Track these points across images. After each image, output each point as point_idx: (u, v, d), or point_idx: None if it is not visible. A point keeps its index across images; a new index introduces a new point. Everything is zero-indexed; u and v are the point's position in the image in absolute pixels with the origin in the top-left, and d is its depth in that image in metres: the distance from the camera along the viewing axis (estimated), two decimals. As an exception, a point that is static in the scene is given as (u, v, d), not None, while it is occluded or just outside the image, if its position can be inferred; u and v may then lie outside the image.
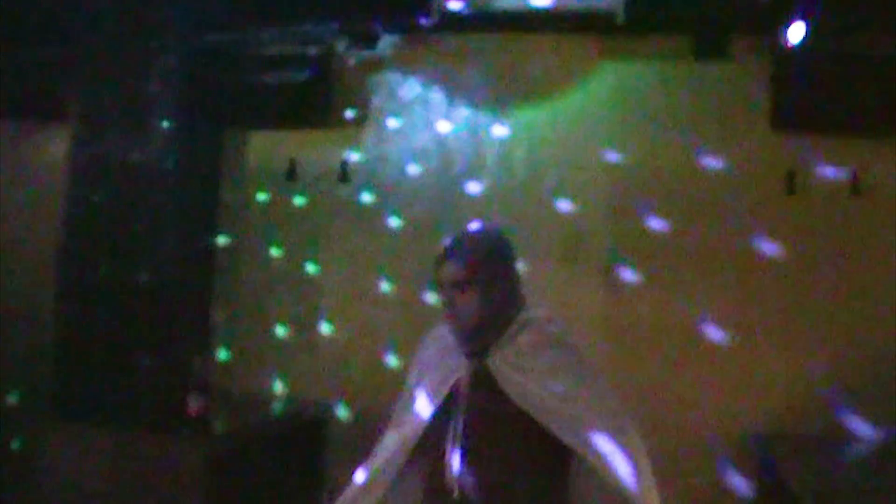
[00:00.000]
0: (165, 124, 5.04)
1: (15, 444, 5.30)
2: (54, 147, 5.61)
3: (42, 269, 5.31)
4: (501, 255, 2.88)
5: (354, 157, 5.44)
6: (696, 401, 4.83)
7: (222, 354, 5.48)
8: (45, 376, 4.95)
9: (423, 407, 2.85)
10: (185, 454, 4.31)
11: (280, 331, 5.45)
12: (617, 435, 2.72)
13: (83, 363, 4.87)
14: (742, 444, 4.74)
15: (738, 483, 4.69)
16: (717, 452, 4.74)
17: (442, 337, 2.94)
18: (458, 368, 2.84)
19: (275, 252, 5.51)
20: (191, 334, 5.16)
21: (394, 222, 5.30)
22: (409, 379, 2.97)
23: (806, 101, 4.74)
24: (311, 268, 5.44)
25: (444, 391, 2.82)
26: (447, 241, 2.86)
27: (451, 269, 2.80)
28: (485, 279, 2.80)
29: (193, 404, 4.61)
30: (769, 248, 4.78)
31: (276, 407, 5.31)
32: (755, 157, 4.85)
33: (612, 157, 5.03)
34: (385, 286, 5.26)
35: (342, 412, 5.27)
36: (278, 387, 5.40)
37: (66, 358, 4.92)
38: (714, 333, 4.77)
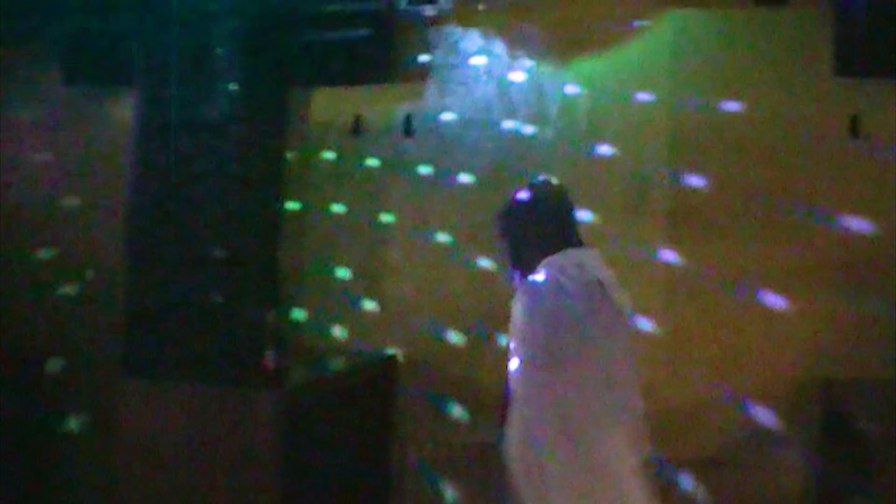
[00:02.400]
0: (230, 85, 5.11)
1: (89, 403, 5.44)
2: (121, 111, 5.70)
3: (113, 230, 5.43)
4: (523, 210, 3.40)
5: (418, 111, 5.48)
6: (760, 349, 4.84)
7: (291, 309, 5.58)
8: (118, 335, 5.07)
9: None
10: (259, 408, 4.40)
11: (347, 285, 5.53)
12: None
13: (154, 322, 4.97)
14: (808, 390, 4.76)
15: (805, 430, 4.72)
16: (783, 400, 4.77)
17: None
18: None
19: (340, 207, 5.57)
20: (261, 290, 5.24)
21: (457, 176, 5.34)
22: None
23: (868, 46, 4.67)
24: (376, 222, 5.51)
25: None
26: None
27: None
28: (507, 229, 3.44)
29: (267, 359, 4.70)
30: (832, 194, 4.76)
31: (346, 360, 5.38)
32: (818, 103, 4.81)
33: (674, 106, 5.01)
34: (449, 239, 5.31)
35: (409, 363, 5.35)
36: (346, 340, 5.50)
37: (137, 317, 5.03)
38: (778, 281, 4.78)
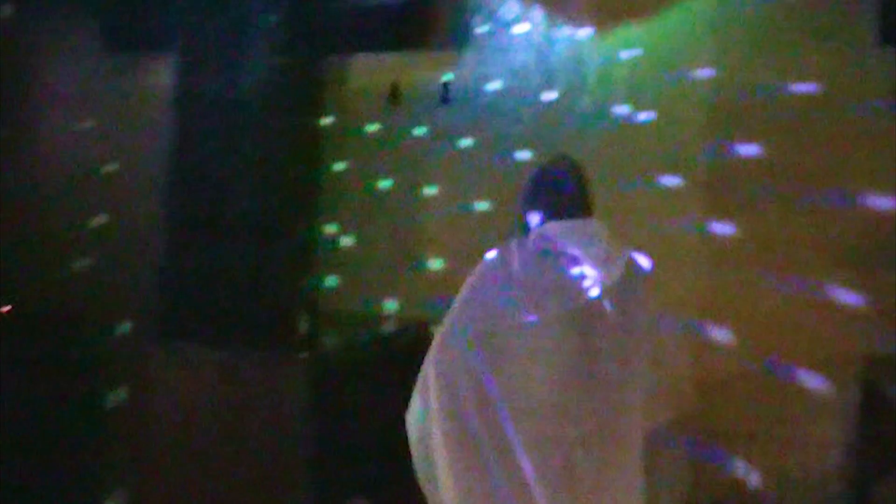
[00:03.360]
0: (267, 52, 5.11)
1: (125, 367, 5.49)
2: (158, 78, 5.72)
3: (151, 196, 5.46)
4: (525, 186, 3.28)
5: (456, 79, 5.45)
6: (799, 323, 4.79)
7: (326, 276, 5.58)
8: (154, 298, 5.11)
9: None
10: (291, 373, 4.43)
11: (383, 252, 5.53)
12: None
13: (190, 286, 5.01)
14: (848, 364, 4.71)
15: (845, 404, 4.68)
16: (822, 374, 4.72)
17: None
18: None
19: (377, 175, 5.57)
20: (297, 257, 5.25)
21: (494, 144, 5.31)
22: None
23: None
24: (412, 190, 5.50)
25: None
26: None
27: None
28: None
29: (300, 324, 4.73)
30: (876, 166, 4.69)
31: (381, 327, 5.40)
32: (861, 73, 4.73)
33: (715, 76, 4.95)
34: (486, 207, 5.29)
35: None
36: (382, 308, 5.50)
37: (173, 281, 5.07)
38: (817, 256, 4.72)
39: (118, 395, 5.31)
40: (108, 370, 5.44)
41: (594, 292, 2.98)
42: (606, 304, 2.98)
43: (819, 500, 4.68)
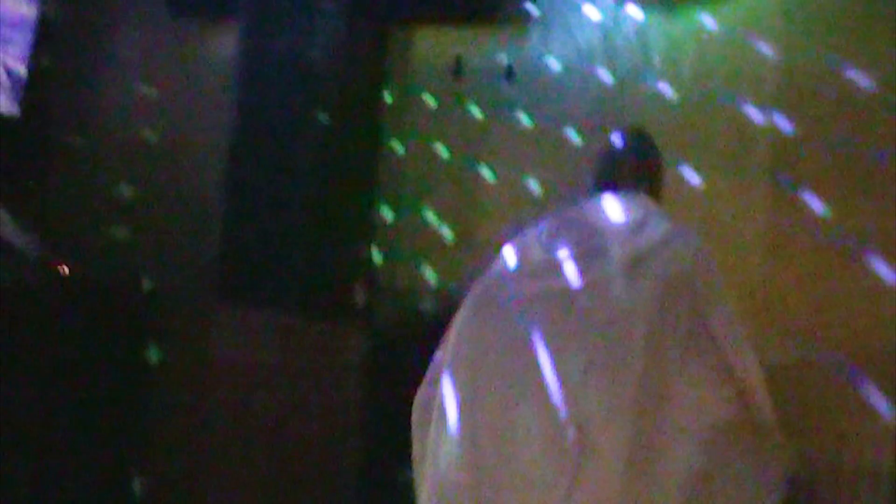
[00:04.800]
0: (332, 21, 5.11)
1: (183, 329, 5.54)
2: (222, 45, 5.74)
3: (212, 164, 5.49)
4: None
5: (520, 56, 5.41)
6: (859, 315, 4.72)
7: (385, 248, 5.58)
8: (214, 262, 5.15)
9: None
10: (348, 344, 4.46)
11: (441, 229, 5.52)
12: None
13: (250, 251, 5.05)
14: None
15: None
16: (879, 369, 4.64)
17: None
18: None
19: (438, 149, 5.55)
20: (356, 229, 5.27)
21: (557, 123, 5.27)
22: None
23: None
24: (473, 167, 5.48)
25: None
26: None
27: None
28: None
29: (357, 295, 4.75)
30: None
31: (436, 302, 5.40)
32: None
33: (784, 59, 4.87)
34: (545, 187, 5.25)
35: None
36: (438, 282, 5.49)
37: (233, 247, 5.11)
38: (879, 244, 4.64)
39: (177, 357, 5.38)
40: (167, 332, 5.50)
41: (595, 271, 2.74)
42: (610, 285, 2.69)
43: (873, 495, 4.62)
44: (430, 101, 5.59)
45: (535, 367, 2.63)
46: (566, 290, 2.73)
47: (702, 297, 2.69)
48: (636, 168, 3.12)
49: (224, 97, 5.40)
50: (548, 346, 2.64)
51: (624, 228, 2.84)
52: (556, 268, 2.80)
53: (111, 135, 5.97)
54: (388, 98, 5.63)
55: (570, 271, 2.76)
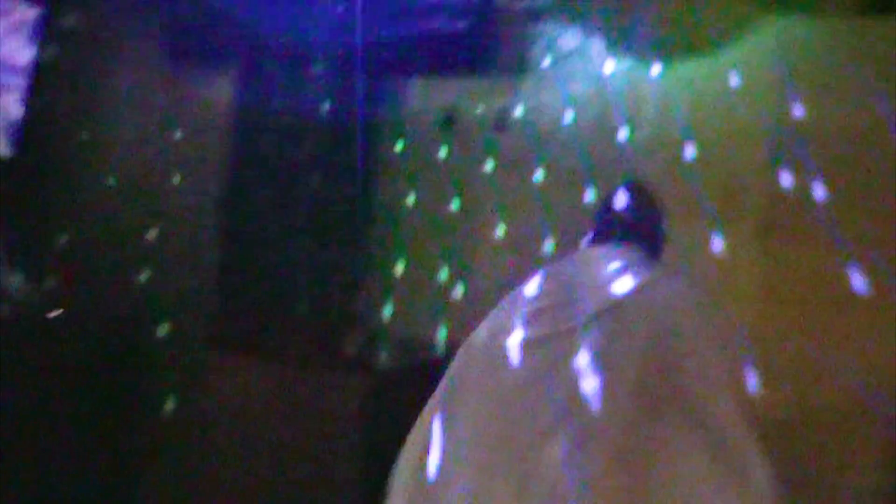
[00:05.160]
0: (327, 73, 5.15)
1: (177, 379, 5.51)
2: (219, 91, 5.78)
3: (205, 211, 5.50)
4: None
5: (512, 106, 5.46)
6: (851, 363, 4.74)
7: (379, 296, 5.59)
8: (208, 313, 5.15)
9: None
10: (341, 392, 4.46)
11: (434, 276, 5.53)
12: None
13: (242, 301, 5.06)
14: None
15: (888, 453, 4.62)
16: (872, 415, 4.67)
17: None
18: None
19: (431, 199, 5.59)
20: (350, 277, 5.29)
21: (549, 172, 5.31)
22: None
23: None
24: (465, 216, 5.51)
25: None
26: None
27: None
28: None
29: (352, 344, 4.76)
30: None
31: (431, 349, 5.40)
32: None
33: (775, 114, 4.93)
34: (540, 236, 5.27)
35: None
36: (432, 330, 5.49)
37: (226, 296, 5.11)
38: (874, 299, 4.68)
39: (172, 403, 5.36)
40: (163, 378, 5.48)
41: (564, 322, 2.73)
42: (576, 335, 2.66)
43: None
44: (422, 152, 5.62)
45: (513, 423, 2.63)
46: (542, 339, 2.74)
47: (679, 345, 2.66)
48: (632, 222, 3.12)
49: (219, 143, 5.42)
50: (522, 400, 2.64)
51: (601, 279, 2.84)
52: (535, 320, 2.82)
53: (108, 175, 5.96)
54: (381, 148, 5.66)
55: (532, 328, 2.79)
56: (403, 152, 5.67)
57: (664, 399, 2.54)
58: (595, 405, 2.52)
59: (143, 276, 5.74)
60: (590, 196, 5.06)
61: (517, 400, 2.65)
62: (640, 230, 3.12)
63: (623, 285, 2.76)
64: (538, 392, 2.61)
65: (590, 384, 2.54)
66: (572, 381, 2.57)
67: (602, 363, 2.57)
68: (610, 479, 2.44)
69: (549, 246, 5.19)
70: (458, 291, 5.47)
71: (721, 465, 2.52)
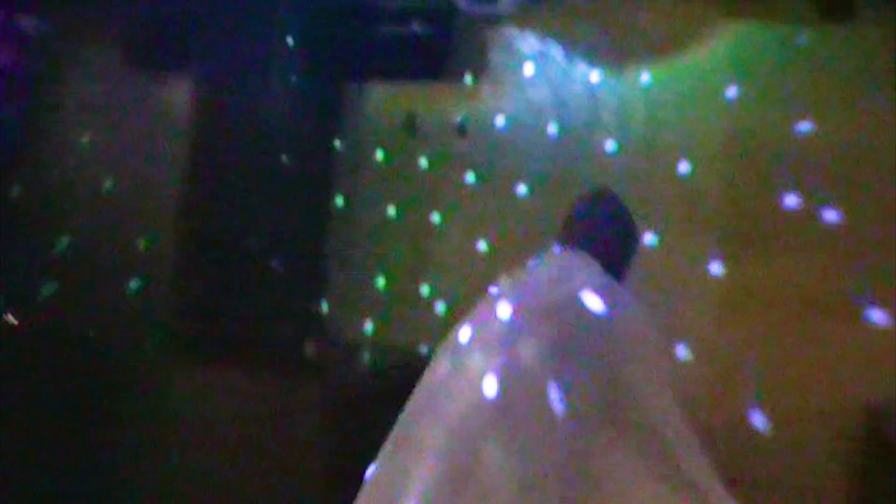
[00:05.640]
0: (285, 76, 5.14)
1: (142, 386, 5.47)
2: (178, 96, 5.73)
3: (165, 218, 5.46)
4: None
5: (472, 112, 5.47)
6: (809, 371, 4.78)
7: (337, 303, 5.58)
8: (172, 319, 5.12)
9: None
10: (301, 399, 4.46)
11: (393, 284, 5.53)
12: None
13: (205, 307, 5.03)
14: (856, 414, 4.69)
15: (852, 456, 4.66)
16: (829, 422, 4.71)
17: None
18: None
19: (389, 205, 5.57)
20: (308, 284, 5.27)
21: (509, 179, 5.32)
22: None
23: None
24: (424, 222, 5.50)
25: None
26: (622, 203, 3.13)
27: None
28: None
29: (310, 350, 4.75)
30: (888, 214, 4.70)
31: (389, 356, 5.40)
32: (881, 123, 4.74)
33: (733, 120, 4.97)
34: (497, 243, 5.28)
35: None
36: (390, 336, 5.48)
37: (187, 303, 5.08)
38: (830, 302, 4.72)
39: (137, 415, 5.32)
40: (127, 390, 5.44)
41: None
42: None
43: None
44: (382, 157, 5.61)
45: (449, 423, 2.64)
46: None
47: (618, 352, 2.66)
48: (593, 229, 3.06)
49: (178, 148, 5.38)
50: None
51: (542, 284, 2.86)
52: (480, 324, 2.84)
53: (63, 185, 5.89)
54: (340, 152, 5.64)
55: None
56: (363, 155, 5.65)
57: (604, 405, 2.54)
58: (532, 409, 2.54)
59: (98, 286, 5.68)
60: (547, 201, 5.09)
61: (454, 400, 2.67)
62: (604, 236, 3.05)
63: (560, 293, 2.77)
64: (475, 392, 2.62)
65: (527, 388, 2.57)
66: (509, 383, 2.59)
67: (540, 368, 2.60)
68: (546, 484, 2.45)
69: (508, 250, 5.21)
70: (416, 295, 5.48)
71: (659, 468, 2.51)
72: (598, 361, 2.61)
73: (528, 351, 2.64)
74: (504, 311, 2.79)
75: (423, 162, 5.52)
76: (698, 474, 2.54)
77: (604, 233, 3.04)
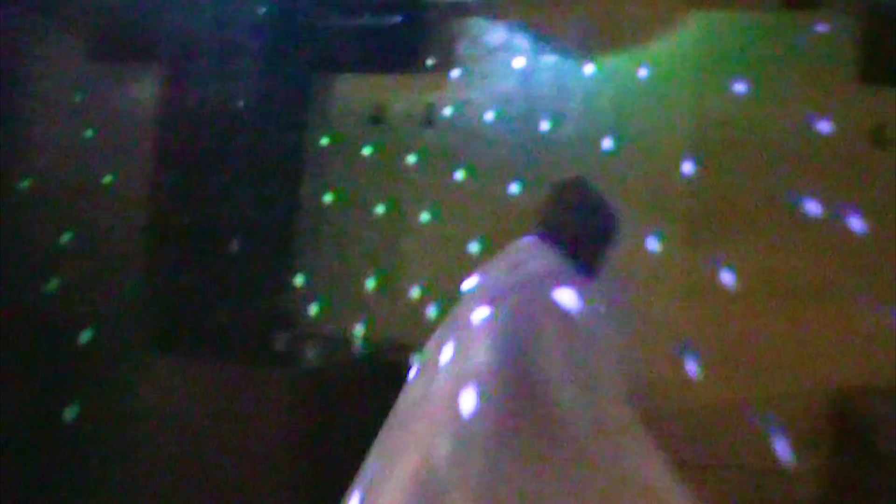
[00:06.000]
0: (253, 68, 5.12)
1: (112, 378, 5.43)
2: (143, 90, 5.69)
3: (134, 209, 5.43)
4: None
5: (440, 102, 5.46)
6: (775, 355, 4.82)
7: (307, 295, 5.56)
8: (140, 311, 5.09)
9: None
10: (272, 389, 4.45)
11: (361, 274, 5.53)
12: None
13: (175, 299, 5.01)
14: (823, 398, 4.73)
15: (819, 438, 4.70)
16: (796, 406, 4.75)
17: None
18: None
19: (358, 195, 5.57)
20: (278, 275, 5.26)
21: (477, 168, 5.33)
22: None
23: (894, 54, 4.62)
24: (393, 212, 5.50)
25: None
26: (607, 199, 3.18)
27: None
28: None
29: (280, 341, 4.74)
30: (853, 201, 4.74)
31: (359, 347, 5.40)
32: (842, 109, 4.78)
33: (698, 107, 5.00)
34: (466, 231, 5.27)
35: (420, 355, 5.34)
36: (361, 327, 5.48)
37: (158, 296, 5.07)
38: (794, 287, 4.76)
39: (109, 407, 5.29)
40: (99, 382, 5.41)
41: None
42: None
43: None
44: (351, 147, 5.60)
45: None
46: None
47: (533, 346, 2.75)
48: (560, 215, 3.12)
49: (145, 142, 5.35)
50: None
51: (501, 271, 2.96)
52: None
53: (29, 178, 5.84)
54: (309, 143, 5.63)
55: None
56: (332, 147, 5.64)
57: (518, 395, 2.68)
58: (472, 408, 2.65)
59: (67, 279, 5.65)
60: (515, 190, 5.10)
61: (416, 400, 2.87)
62: (577, 227, 3.11)
63: (504, 282, 2.91)
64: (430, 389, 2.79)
65: (470, 385, 2.69)
66: (457, 379, 2.74)
67: (483, 365, 2.73)
68: (488, 482, 2.58)
69: (476, 242, 5.21)
70: (387, 288, 5.48)
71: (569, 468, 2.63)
72: (522, 352, 2.72)
73: (481, 358, 2.75)
74: (475, 313, 2.87)
75: (392, 151, 5.51)
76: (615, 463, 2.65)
77: (570, 219, 3.07)
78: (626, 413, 2.74)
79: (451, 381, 2.75)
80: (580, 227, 3.08)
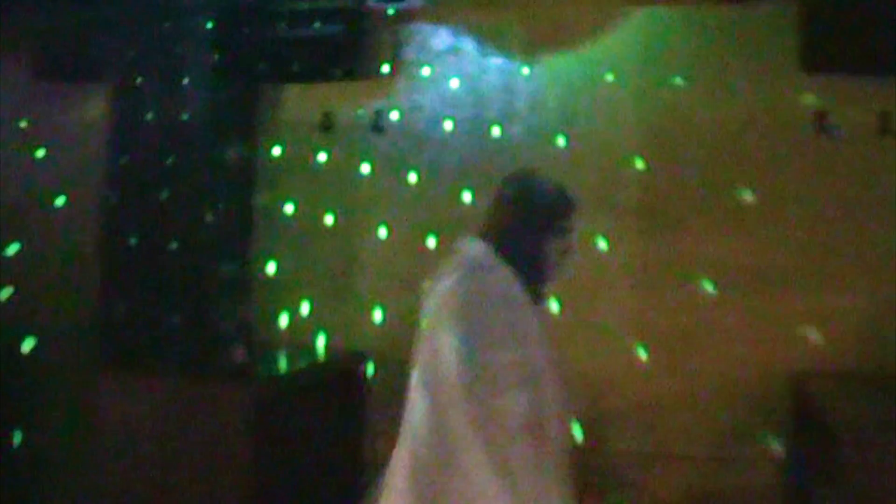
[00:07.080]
0: (200, 82, 5.10)
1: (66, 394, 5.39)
2: (91, 108, 5.65)
3: (86, 226, 5.38)
4: None
5: (387, 108, 5.48)
6: (728, 344, 4.86)
7: (262, 305, 5.55)
8: (96, 330, 5.05)
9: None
10: (229, 402, 4.42)
11: (315, 282, 5.53)
12: None
13: (130, 314, 4.98)
14: (781, 383, 4.78)
15: (777, 423, 4.74)
16: (751, 394, 4.80)
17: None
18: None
19: (310, 204, 5.57)
20: (232, 287, 5.24)
21: (426, 172, 5.35)
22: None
23: (835, 42, 4.65)
24: (345, 219, 5.51)
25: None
26: (555, 187, 3.12)
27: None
28: None
29: (236, 354, 4.72)
30: (798, 188, 4.81)
31: (316, 356, 5.39)
32: (784, 97, 4.84)
33: (644, 102, 5.05)
34: (419, 236, 5.29)
35: (378, 360, 5.36)
36: (317, 336, 5.48)
37: (112, 312, 5.03)
38: (747, 276, 4.81)
39: (63, 423, 5.25)
40: (52, 398, 5.37)
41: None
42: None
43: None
44: (300, 155, 5.60)
45: None
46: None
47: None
48: (498, 209, 3.08)
49: (94, 159, 5.31)
50: None
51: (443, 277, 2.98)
52: None
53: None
54: (258, 154, 5.62)
55: None
56: (282, 156, 5.63)
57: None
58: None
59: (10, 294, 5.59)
60: (467, 193, 5.13)
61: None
62: (510, 220, 3.05)
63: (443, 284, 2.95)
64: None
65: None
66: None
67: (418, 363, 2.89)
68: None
69: (430, 244, 5.22)
70: (342, 296, 5.48)
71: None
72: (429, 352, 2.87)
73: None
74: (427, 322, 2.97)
75: (341, 158, 5.51)
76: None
77: (505, 212, 3.05)
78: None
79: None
80: (516, 220, 3.05)
